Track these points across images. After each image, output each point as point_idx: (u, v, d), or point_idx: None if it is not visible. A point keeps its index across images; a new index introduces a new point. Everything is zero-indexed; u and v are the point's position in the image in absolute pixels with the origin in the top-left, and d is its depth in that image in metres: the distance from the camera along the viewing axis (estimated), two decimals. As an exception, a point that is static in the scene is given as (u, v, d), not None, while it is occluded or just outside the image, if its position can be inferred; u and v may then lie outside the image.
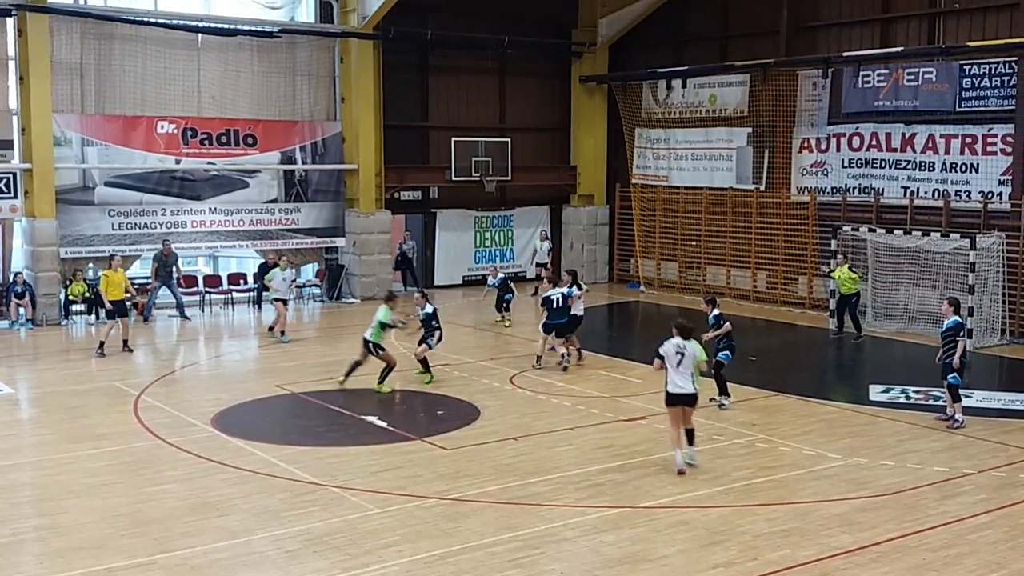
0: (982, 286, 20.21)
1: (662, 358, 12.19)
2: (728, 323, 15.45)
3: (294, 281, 23.12)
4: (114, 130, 23.44)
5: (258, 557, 9.66)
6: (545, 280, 20.78)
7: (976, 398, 15.78)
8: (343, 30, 25.85)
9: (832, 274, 21.44)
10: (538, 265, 28.05)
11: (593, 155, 30.09)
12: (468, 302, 26.43)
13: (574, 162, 30.27)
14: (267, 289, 22.83)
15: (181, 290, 23.70)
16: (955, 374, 14.13)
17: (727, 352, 15.33)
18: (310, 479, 11.87)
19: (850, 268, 21.19)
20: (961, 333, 14.33)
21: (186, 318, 23.15)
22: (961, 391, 14.37)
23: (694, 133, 27.48)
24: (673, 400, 12.14)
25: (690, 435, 12.31)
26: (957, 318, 14.39)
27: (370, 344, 16.35)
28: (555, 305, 17.90)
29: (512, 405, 15.59)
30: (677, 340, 12.20)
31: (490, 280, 23.84)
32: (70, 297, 22.94)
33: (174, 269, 23.30)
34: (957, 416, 14.23)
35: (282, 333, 20.89)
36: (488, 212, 29.35)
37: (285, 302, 21.29)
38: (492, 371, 17.90)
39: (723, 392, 15.29)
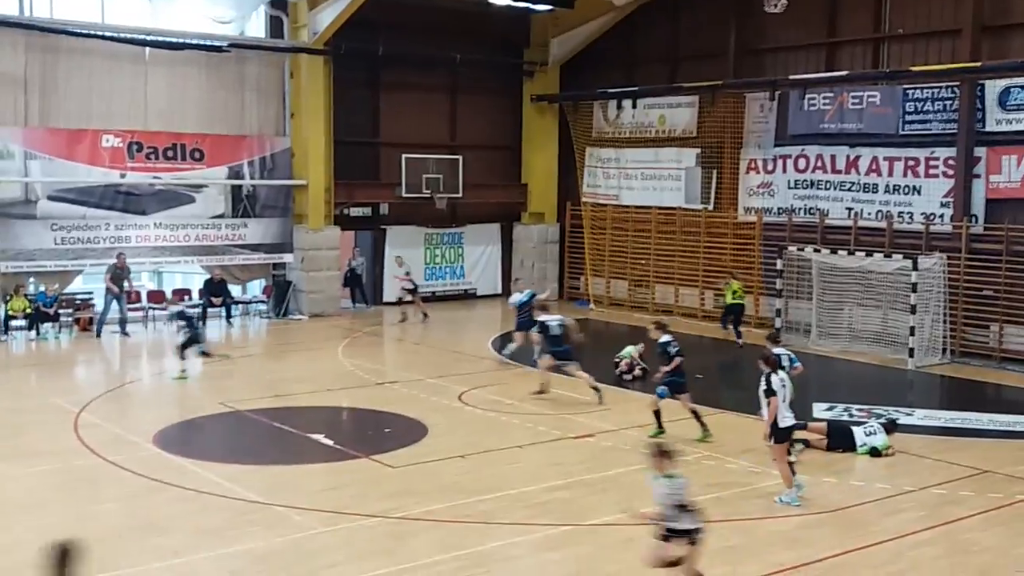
0: (924, 306, 20.56)
1: (775, 394, 11.70)
2: (680, 357, 14.51)
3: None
4: (58, 143, 23.08)
5: (199, 577, 9.53)
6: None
7: (917, 416, 16.03)
8: (293, 45, 25.72)
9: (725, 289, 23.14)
10: (404, 290, 26.01)
11: (544, 173, 30.20)
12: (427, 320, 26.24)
13: (525, 180, 30.36)
14: (213, 305, 22.24)
15: (128, 306, 23.32)
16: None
17: (664, 388, 14.42)
18: (254, 498, 11.72)
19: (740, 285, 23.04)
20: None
21: (126, 334, 22.77)
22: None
23: (644, 153, 27.70)
24: (790, 434, 11.93)
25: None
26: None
27: None
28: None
29: (460, 423, 15.54)
30: (782, 375, 12.05)
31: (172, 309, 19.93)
32: (9, 312, 22.51)
33: (125, 283, 22.87)
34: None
35: None
36: (439, 229, 29.29)
37: None
38: (441, 388, 17.84)
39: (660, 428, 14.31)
